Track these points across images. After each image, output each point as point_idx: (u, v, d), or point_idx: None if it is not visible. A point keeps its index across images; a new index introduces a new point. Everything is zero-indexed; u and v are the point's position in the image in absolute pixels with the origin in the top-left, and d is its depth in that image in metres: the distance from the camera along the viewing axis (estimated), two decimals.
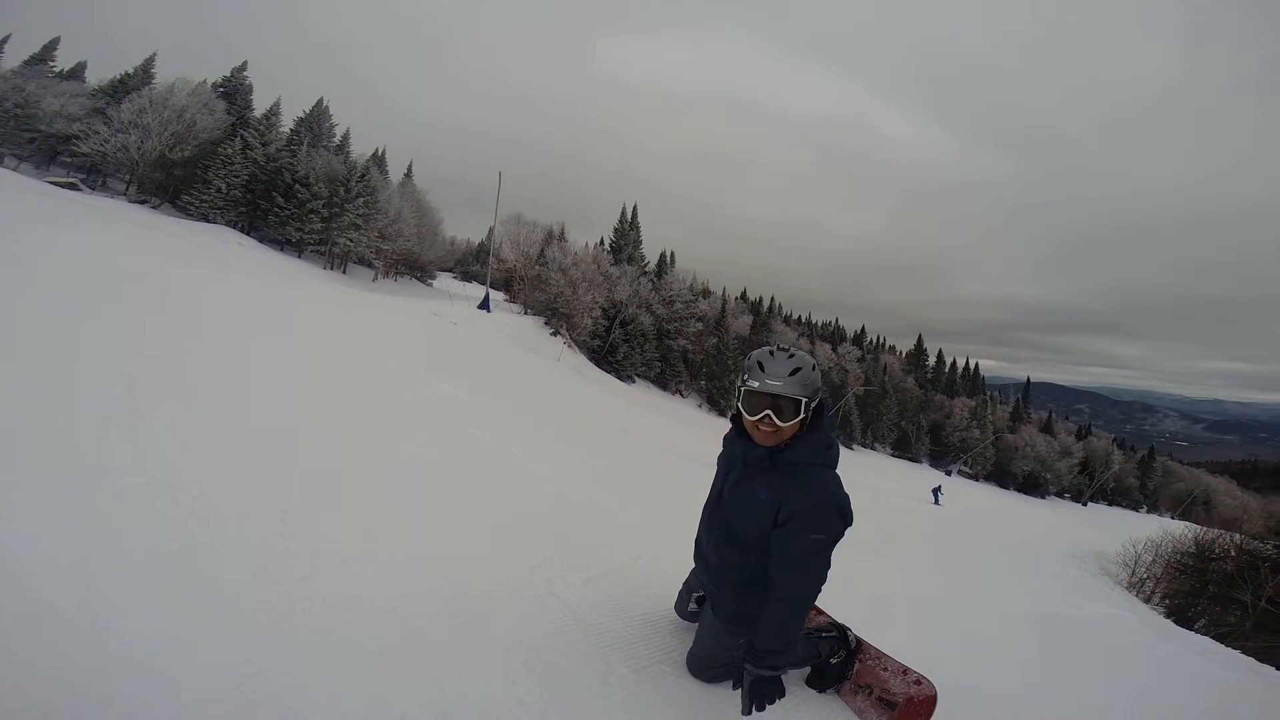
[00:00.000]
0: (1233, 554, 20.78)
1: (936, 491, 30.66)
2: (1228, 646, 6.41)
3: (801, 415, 2.07)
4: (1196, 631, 9.83)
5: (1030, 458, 58.61)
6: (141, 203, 32.73)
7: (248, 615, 1.95)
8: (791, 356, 2.11)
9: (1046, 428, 66.88)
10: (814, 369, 2.11)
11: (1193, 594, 19.91)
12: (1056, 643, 4.37)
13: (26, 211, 11.24)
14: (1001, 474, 57.20)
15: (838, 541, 2.10)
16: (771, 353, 2.13)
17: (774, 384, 2.05)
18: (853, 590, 3.69)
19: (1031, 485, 57.86)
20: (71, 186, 28.45)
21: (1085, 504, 59.11)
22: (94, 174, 34.57)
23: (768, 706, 2.11)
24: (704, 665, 2.32)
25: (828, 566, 2.11)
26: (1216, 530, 26.75)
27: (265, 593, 2.08)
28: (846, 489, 2.12)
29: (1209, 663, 4.83)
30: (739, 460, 2.22)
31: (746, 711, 2.09)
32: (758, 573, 2.17)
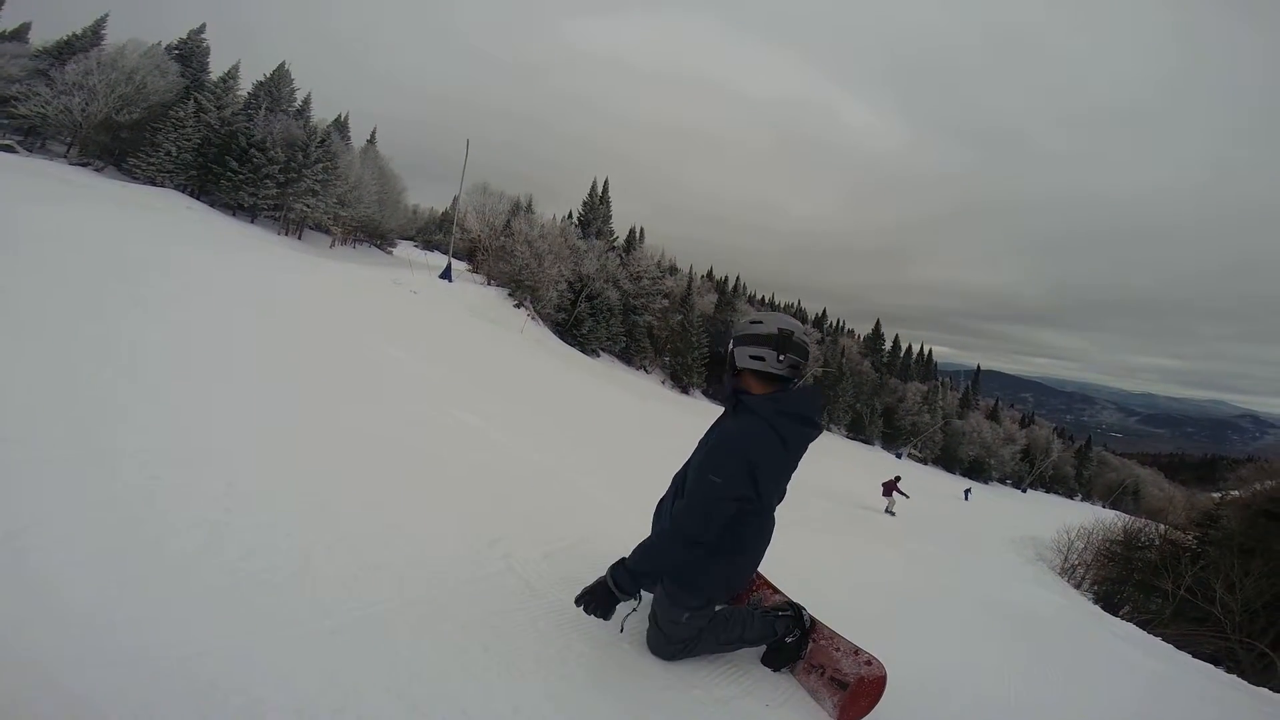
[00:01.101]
0: (1157, 543, 21.93)
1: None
2: (1149, 633, 6.76)
3: (741, 365, 2.17)
4: (1121, 618, 10.34)
5: (976, 443, 60.66)
6: (84, 165, 30.95)
7: (192, 593, 1.87)
8: (752, 321, 2.23)
9: (993, 415, 69.24)
10: (740, 324, 2.26)
11: (1119, 581, 20.93)
12: (1004, 628, 4.54)
13: None
14: (949, 459, 59.04)
15: (739, 501, 2.04)
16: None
17: None
18: (804, 569, 3.76)
19: (976, 470, 59.90)
20: (7, 149, 26.81)
21: (1025, 490, 61.56)
22: (33, 136, 32.49)
23: (587, 616, 2.13)
24: (660, 644, 2.29)
25: (724, 524, 2.06)
26: (1143, 520, 28.24)
27: (210, 569, 2.00)
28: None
29: (1134, 649, 5.09)
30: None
31: (577, 602, 2.13)
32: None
